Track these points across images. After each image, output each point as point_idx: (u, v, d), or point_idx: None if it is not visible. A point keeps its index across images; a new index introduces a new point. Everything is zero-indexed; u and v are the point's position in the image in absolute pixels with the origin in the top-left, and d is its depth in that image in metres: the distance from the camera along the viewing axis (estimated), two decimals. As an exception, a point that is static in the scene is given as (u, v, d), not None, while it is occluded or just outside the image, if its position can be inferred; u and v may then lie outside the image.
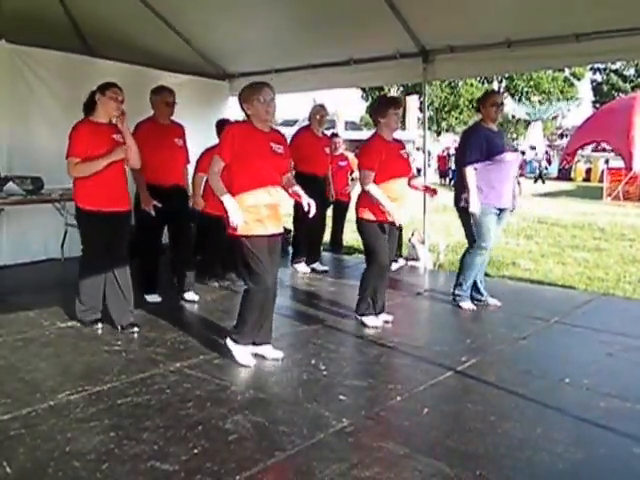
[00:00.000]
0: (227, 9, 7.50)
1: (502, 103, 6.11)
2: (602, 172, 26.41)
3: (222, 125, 6.60)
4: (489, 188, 5.87)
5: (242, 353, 4.54)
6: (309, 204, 4.49)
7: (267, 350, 4.67)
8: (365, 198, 5.39)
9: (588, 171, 31.82)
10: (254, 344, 4.64)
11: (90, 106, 5.13)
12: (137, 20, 8.11)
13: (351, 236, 10.53)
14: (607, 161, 27.23)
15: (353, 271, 7.95)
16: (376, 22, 7.13)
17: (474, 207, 5.81)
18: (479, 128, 6.04)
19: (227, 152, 4.33)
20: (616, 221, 15.16)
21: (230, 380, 4.20)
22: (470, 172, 5.83)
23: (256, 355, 4.61)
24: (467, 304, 6.19)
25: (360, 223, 5.45)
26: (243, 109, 4.48)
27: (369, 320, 5.55)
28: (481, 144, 5.85)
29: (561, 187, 27.25)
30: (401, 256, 8.65)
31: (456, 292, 6.25)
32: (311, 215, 4.52)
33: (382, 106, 5.42)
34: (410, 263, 8.45)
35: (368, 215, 5.35)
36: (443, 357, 4.73)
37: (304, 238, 7.98)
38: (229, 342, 4.58)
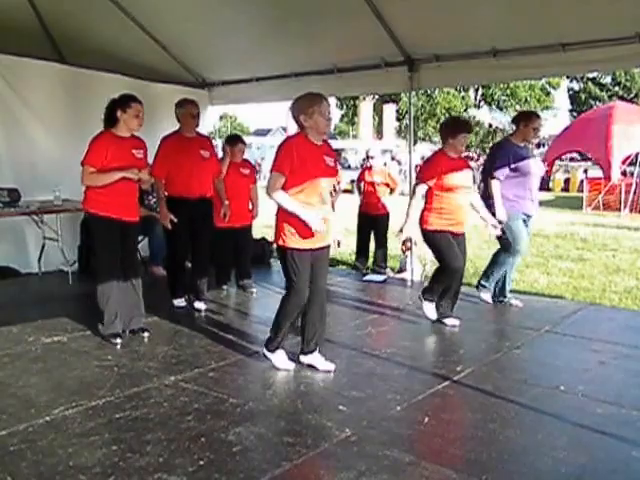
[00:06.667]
0: (206, 16, 7.38)
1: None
2: (581, 182, 26.56)
3: (232, 141, 7.05)
4: (517, 197, 6.33)
5: (277, 359, 4.64)
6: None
7: (319, 361, 4.67)
8: (430, 209, 5.69)
9: (567, 181, 32.02)
10: (303, 353, 4.68)
11: (110, 119, 5.10)
12: (112, 26, 7.81)
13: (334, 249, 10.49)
14: (586, 171, 27.45)
15: (339, 283, 7.93)
16: (361, 30, 7.07)
17: (501, 215, 6.13)
18: (506, 144, 6.46)
19: (287, 167, 4.28)
20: (597, 231, 15.25)
21: (227, 393, 4.18)
22: (495, 184, 6.21)
23: (308, 366, 4.64)
24: (487, 296, 6.60)
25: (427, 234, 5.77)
26: (298, 121, 4.39)
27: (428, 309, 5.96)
28: (507, 159, 6.24)
29: (540, 197, 27.36)
30: (387, 267, 8.66)
31: (482, 282, 6.64)
32: None
33: (455, 128, 5.73)
34: (397, 275, 8.46)
35: (434, 226, 5.64)
36: (438, 367, 4.76)
37: None
38: (264, 352, 4.71)
